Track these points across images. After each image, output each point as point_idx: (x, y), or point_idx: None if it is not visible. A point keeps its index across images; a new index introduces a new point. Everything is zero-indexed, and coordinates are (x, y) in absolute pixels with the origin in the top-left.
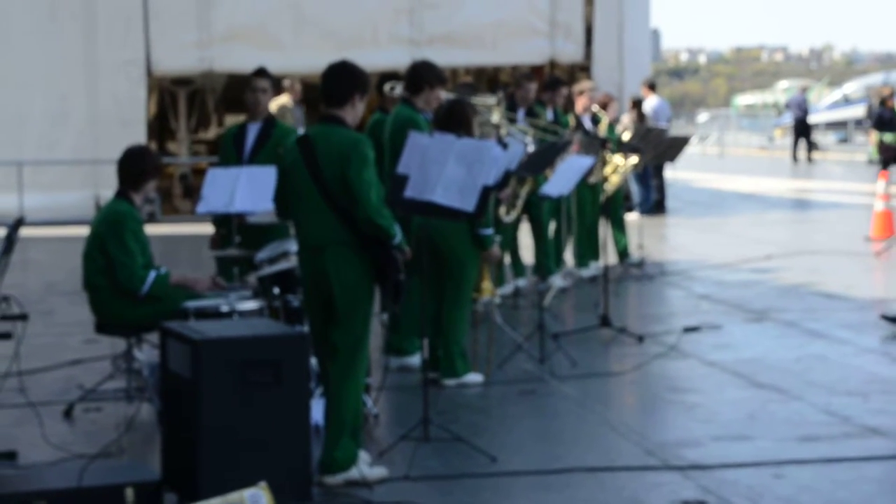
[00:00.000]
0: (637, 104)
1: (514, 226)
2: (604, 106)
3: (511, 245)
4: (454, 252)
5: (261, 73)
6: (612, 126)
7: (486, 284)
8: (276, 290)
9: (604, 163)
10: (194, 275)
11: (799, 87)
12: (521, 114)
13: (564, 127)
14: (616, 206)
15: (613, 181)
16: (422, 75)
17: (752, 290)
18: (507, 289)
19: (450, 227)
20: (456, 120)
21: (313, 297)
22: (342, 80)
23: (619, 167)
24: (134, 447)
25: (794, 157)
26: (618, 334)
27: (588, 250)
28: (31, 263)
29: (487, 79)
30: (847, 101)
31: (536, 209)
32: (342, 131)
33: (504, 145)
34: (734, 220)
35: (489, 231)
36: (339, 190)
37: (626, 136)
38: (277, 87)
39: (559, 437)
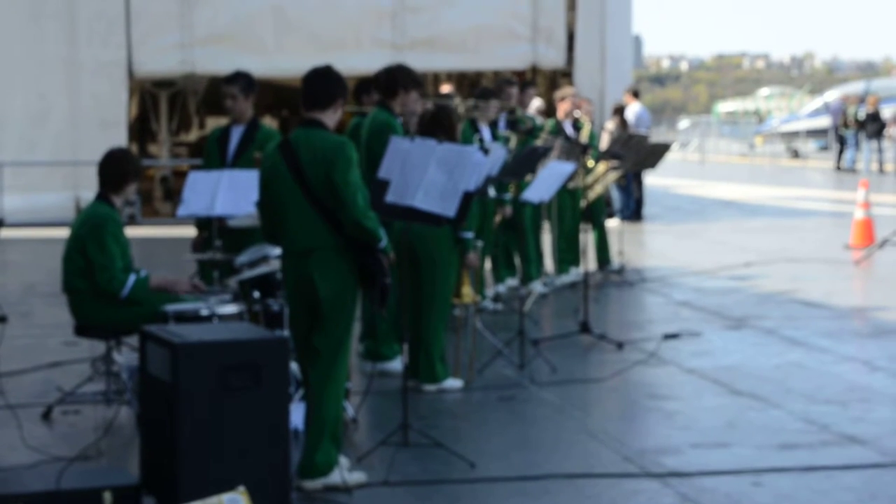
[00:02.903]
0: (620, 111)
1: (497, 231)
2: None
3: (492, 251)
4: (432, 257)
5: (229, 79)
6: (592, 133)
7: (467, 289)
8: (257, 294)
9: (585, 169)
10: (174, 276)
11: (841, 96)
12: (501, 119)
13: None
14: (598, 213)
15: (596, 190)
16: (396, 79)
17: (731, 297)
18: (488, 294)
19: (428, 232)
20: (440, 125)
21: (297, 301)
22: (328, 84)
23: (602, 177)
24: (113, 450)
25: (839, 167)
26: (597, 341)
27: (568, 256)
28: (10, 265)
29: (469, 83)
30: (828, 108)
31: (519, 215)
32: (324, 135)
33: (485, 151)
34: (714, 227)
35: (470, 234)
36: (323, 194)
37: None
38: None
39: (538, 443)
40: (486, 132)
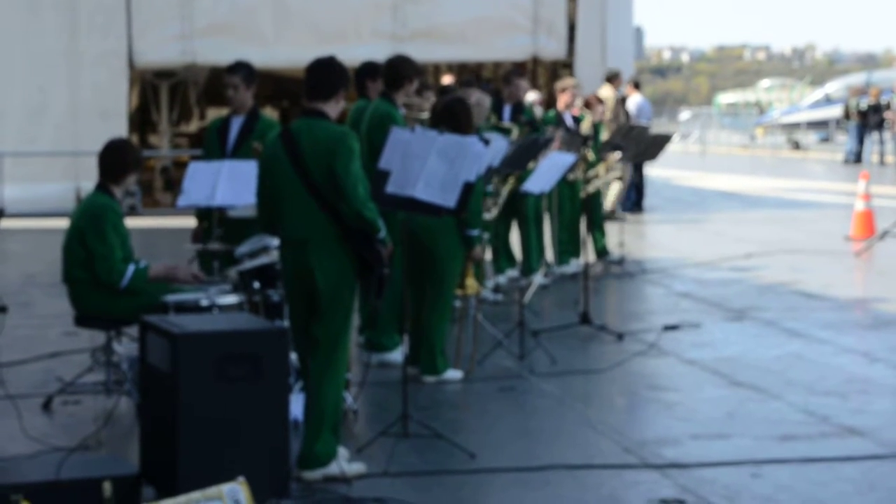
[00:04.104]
0: (621, 101)
1: (497, 223)
2: (587, 105)
3: (493, 242)
4: (438, 249)
5: (232, 69)
6: (596, 126)
7: (471, 281)
8: (257, 285)
9: (585, 160)
10: (173, 263)
11: (851, 87)
12: (507, 111)
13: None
14: (596, 205)
15: (595, 184)
16: (400, 71)
17: (731, 288)
18: (488, 285)
19: (435, 225)
20: (455, 118)
21: (295, 291)
22: (331, 74)
23: (604, 175)
24: (112, 440)
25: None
26: (597, 332)
27: (568, 247)
28: (10, 255)
29: (470, 74)
30: (829, 100)
31: (521, 205)
32: (326, 125)
33: (486, 142)
34: (715, 218)
35: (475, 232)
36: (324, 184)
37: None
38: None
39: (538, 434)
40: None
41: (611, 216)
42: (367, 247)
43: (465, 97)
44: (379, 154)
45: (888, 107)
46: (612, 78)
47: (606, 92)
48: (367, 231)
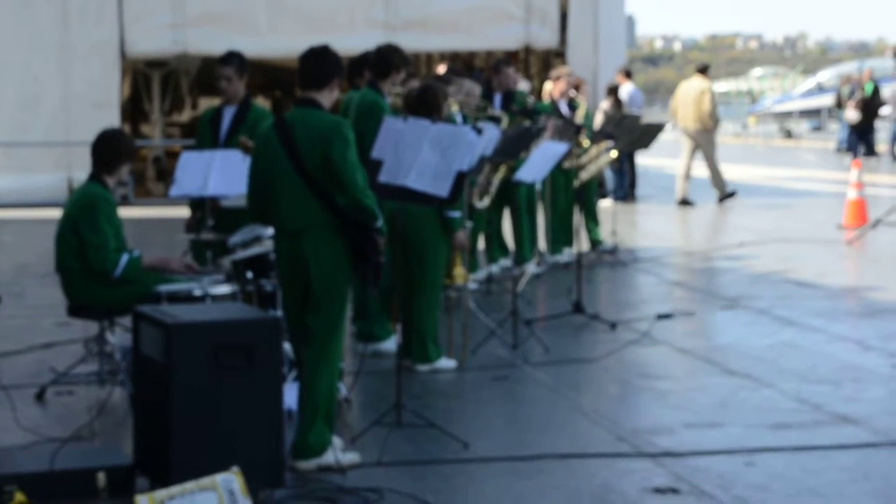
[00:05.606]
0: (614, 91)
1: (489, 212)
2: (575, 88)
3: (485, 230)
4: (420, 237)
5: (224, 60)
6: (588, 113)
7: (459, 270)
8: (250, 275)
9: (579, 149)
10: (166, 255)
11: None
12: (497, 99)
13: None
14: (589, 194)
15: (590, 171)
16: (388, 60)
17: (724, 277)
18: (480, 274)
19: (416, 212)
20: (427, 104)
21: (290, 281)
22: (324, 63)
23: (594, 159)
24: (106, 431)
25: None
26: (590, 321)
27: (561, 236)
28: (2, 245)
29: (463, 63)
30: (821, 89)
31: (513, 194)
32: (320, 114)
33: (478, 130)
34: (707, 207)
35: (456, 214)
36: (318, 173)
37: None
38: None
39: (531, 423)
40: (458, 115)
41: (728, 196)
42: (363, 235)
43: (437, 85)
44: (365, 142)
45: (851, 96)
46: (704, 70)
47: (700, 83)
48: (364, 219)
